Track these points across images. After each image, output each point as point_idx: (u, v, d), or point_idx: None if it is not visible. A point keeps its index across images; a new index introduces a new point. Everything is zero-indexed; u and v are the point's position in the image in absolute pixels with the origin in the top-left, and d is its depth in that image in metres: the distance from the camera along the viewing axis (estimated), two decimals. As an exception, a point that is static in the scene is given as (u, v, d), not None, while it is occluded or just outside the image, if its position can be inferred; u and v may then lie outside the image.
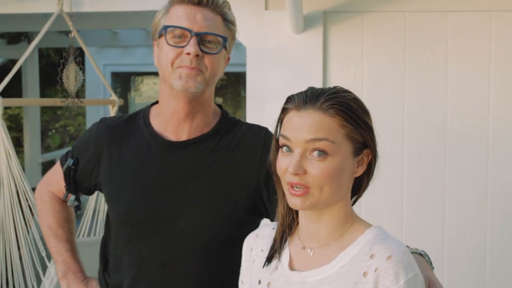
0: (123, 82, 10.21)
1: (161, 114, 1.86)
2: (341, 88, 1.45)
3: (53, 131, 11.53)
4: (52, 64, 9.75)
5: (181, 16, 1.75)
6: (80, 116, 11.43)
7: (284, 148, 1.40)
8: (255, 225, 1.86)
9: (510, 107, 3.24)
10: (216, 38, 1.76)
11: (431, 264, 1.56)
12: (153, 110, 1.91)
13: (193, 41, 1.72)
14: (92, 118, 8.81)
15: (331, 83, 3.31)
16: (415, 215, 3.30)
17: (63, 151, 9.26)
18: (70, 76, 3.44)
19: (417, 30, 3.28)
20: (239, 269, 1.82)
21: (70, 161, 1.95)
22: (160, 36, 1.79)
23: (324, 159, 1.36)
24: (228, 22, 1.82)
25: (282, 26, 3.29)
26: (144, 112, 1.91)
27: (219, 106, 1.94)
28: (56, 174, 2.04)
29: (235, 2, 3.30)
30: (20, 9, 3.51)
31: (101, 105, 8.02)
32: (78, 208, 2.07)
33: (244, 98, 11.29)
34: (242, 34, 3.34)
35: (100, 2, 3.46)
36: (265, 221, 1.81)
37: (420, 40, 3.29)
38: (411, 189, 3.30)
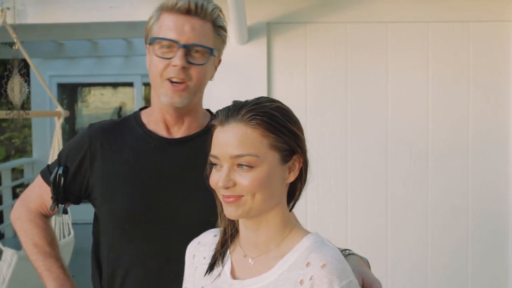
0: (69, 93, 10.08)
1: (153, 115, 1.89)
2: (266, 98, 1.48)
3: (-2, 144, 11.31)
4: (-4, 75, 9.60)
5: (170, 26, 1.77)
6: (26, 128, 11.24)
7: (215, 165, 1.44)
8: None
9: (448, 111, 3.36)
10: (203, 49, 1.79)
11: (368, 263, 1.62)
12: (144, 113, 1.94)
13: (180, 53, 1.75)
14: (38, 130, 8.68)
15: (276, 92, 3.38)
16: (360, 220, 3.39)
17: (9, 163, 9.09)
18: (15, 88, 3.41)
19: (357, 40, 3.38)
20: None
21: (59, 169, 1.93)
22: (150, 44, 1.82)
23: (250, 170, 1.39)
24: (219, 28, 1.84)
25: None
26: (135, 115, 1.94)
27: (208, 110, 2.00)
28: (38, 189, 2.01)
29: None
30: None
31: (47, 117, 7.90)
32: (66, 212, 2.02)
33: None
34: (187, 45, 3.39)
35: (44, 14, 3.44)
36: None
37: (361, 49, 3.39)
38: (355, 194, 3.39)
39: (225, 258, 1.52)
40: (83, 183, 1.92)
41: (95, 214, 1.97)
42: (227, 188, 1.40)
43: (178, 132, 1.87)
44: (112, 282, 1.90)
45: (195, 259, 1.58)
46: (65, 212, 1.98)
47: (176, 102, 1.79)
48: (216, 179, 1.43)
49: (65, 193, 1.95)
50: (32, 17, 3.45)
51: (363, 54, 3.38)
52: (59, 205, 1.96)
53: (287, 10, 3.38)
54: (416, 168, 3.37)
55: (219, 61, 1.91)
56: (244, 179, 1.39)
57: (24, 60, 3.80)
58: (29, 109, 3.64)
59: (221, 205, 1.48)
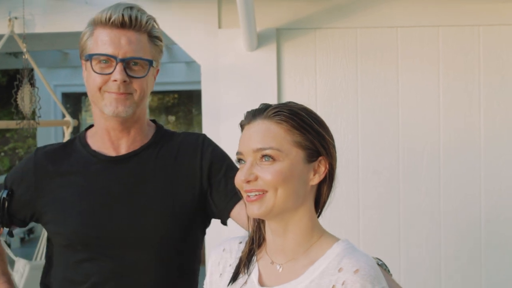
0: (74, 102, 10.09)
1: (97, 134, 1.88)
2: (294, 102, 1.49)
3: (2, 154, 11.31)
4: (-1, 86, 9.60)
5: (106, 41, 1.75)
6: (30, 139, 11.24)
7: (240, 161, 1.45)
8: (202, 227, 1.92)
9: (459, 115, 3.34)
10: (142, 61, 1.78)
11: (389, 271, 1.60)
12: (89, 133, 1.92)
13: (118, 67, 1.74)
14: (43, 139, 8.66)
15: (286, 99, 3.36)
16: (372, 226, 3.36)
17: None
18: (25, 97, 3.40)
19: (368, 45, 3.37)
20: (189, 273, 1.86)
21: (4, 193, 1.91)
22: (86, 60, 1.80)
23: (272, 163, 1.40)
24: (155, 38, 1.83)
25: (236, 44, 3.32)
26: (80, 136, 1.93)
27: (153, 120, 1.98)
28: None
29: (189, 21, 3.36)
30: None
31: (55, 126, 7.89)
32: (11, 235, 2.01)
33: (196, 115, 11.30)
34: (196, 53, 3.38)
35: (52, 23, 3.43)
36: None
37: (371, 54, 3.37)
38: (367, 200, 3.36)
39: (251, 265, 1.50)
40: (28, 209, 1.90)
41: (47, 237, 1.97)
42: (248, 182, 1.40)
43: (124, 147, 1.86)
44: None
45: (220, 266, 1.57)
46: (10, 235, 1.97)
47: (121, 112, 1.77)
48: (239, 176, 1.43)
49: (10, 217, 1.93)
50: (40, 27, 3.43)
51: (373, 59, 3.37)
52: (4, 228, 1.95)
53: (297, 16, 3.36)
54: (428, 173, 3.34)
55: (157, 70, 1.90)
56: (265, 172, 1.40)
57: (32, 70, 3.78)
58: (39, 118, 3.61)
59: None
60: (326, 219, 3.26)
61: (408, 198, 3.35)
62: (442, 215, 3.34)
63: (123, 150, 1.85)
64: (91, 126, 1.93)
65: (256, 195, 1.41)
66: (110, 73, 1.75)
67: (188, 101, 11.37)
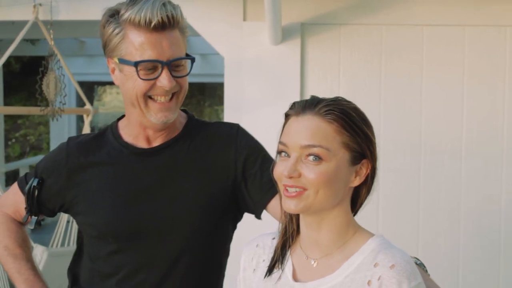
0: (86, 91, 10.10)
1: (130, 126, 1.85)
2: (343, 98, 1.45)
3: (13, 140, 11.34)
4: (12, 72, 9.60)
5: (147, 47, 1.67)
6: (41, 126, 11.27)
7: (282, 153, 1.42)
8: (233, 221, 1.89)
9: (483, 116, 3.32)
10: (184, 60, 1.73)
11: (427, 271, 1.59)
12: (121, 124, 1.89)
13: (165, 73, 1.68)
14: (56, 127, 8.68)
15: (309, 94, 3.34)
16: (391, 223, 3.35)
17: (25, 161, 9.11)
18: (50, 84, 3.39)
19: (393, 42, 3.34)
20: (218, 267, 1.85)
21: (34, 181, 1.89)
22: (125, 64, 1.71)
23: (319, 163, 1.36)
24: (184, 29, 1.76)
25: (260, 37, 3.31)
26: (112, 127, 1.90)
27: (184, 110, 1.93)
28: (13, 196, 1.98)
29: (213, 13, 3.34)
30: (-6, 17, 3.47)
31: (76, 114, 7.90)
32: (39, 224, 2.01)
33: (207, 107, 11.30)
34: (220, 45, 3.37)
35: (76, 10, 3.43)
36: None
37: (395, 52, 3.35)
38: (387, 198, 3.35)
39: (285, 260, 1.49)
40: (58, 198, 1.89)
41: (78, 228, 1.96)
42: (291, 177, 1.37)
43: (157, 140, 1.83)
44: None
45: (253, 262, 1.55)
46: (38, 224, 1.95)
47: (170, 119, 1.74)
48: (281, 169, 1.40)
49: (39, 205, 1.91)
50: (65, 14, 3.43)
51: (398, 57, 3.35)
52: (32, 217, 1.93)
53: (322, 11, 3.34)
54: (450, 173, 3.33)
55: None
56: (310, 171, 1.37)
57: (44, 58, 3.77)
58: (64, 105, 3.61)
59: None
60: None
61: (428, 196, 3.33)
62: (462, 213, 3.33)
63: (155, 143, 1.83)
64: (123, 116, 1.91)
65: (296, 191, 1.38)
66: (156, 78, 1.69)
67: (199, 93, 11.37)
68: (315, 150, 1.36)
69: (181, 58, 1.72)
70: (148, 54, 1.67)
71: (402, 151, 3.34)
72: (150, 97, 1.72)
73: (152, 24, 1.65)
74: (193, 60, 1.77)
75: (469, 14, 3.31)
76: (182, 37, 1.75)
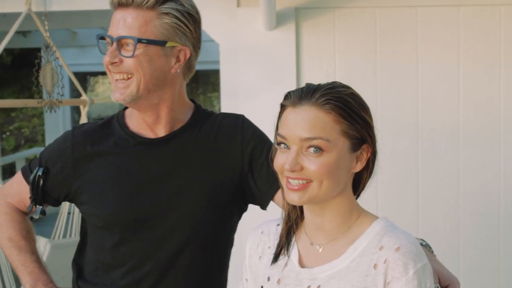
0: (79, 82, 10.07)
1: (133, 115, 1.85)
2: (339, 83, 1.44)
3: (8, 133, 11.30)
4: (3, 65, 9.56)
5: (112, 23, 1.74)
6: (35, 118, 11.22)
7: (282, 145, 1.41)
8: (239, 211, 1.90)
9: (479, 98, 3.32)
10: (131, 40, 1.71)
11: (433, 252, 1.60)
12: (127, 112, 1.89)
13: (110, 48, 1.73)
14: (50, 119, 8.65)
15: (305, 79, 3.34)
16: (390, 206, 3.36)
17: (21, 153, 9.08)
18: (47, 76, 3.38)
19: (387, 25, 3.34)
20: (223, 258, 1.85)
21: (39, 170, 1.88)
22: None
23: (320, 154, 1.36)
24: (165, 14, 1.73)
25: (254, 23, 3.30)
26: (118, 116, 1.90)
27: (191, 99, 1.93)
28: (17, 185, 1.98)
29: (207, 0, 3.32)
30: (-14, 9, 3.45)
31: (72, 105, 7.89)
32: (44, 213, 1.98)
33: (200, 94, 11.28)
34: (214, 32, 3.35)
35: (70, 1, 3.40)
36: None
37: (390, 34, 3.34)
38: (386, 183, 3.35)
39: (291, 247, 1.49)
40: (63, 188, 1.88)
41: (82, 217, 1.94)
42: (293, 171, 1.37)
43: (161, 130, 1.82)
44: (97, 283, 1.88)
45: (259, 249, 1.56)
46: (43, 213, 1.94)
47: (120, 99, 1.75)
48: (282, 161, 1.40)
49: (44, 195, 1.91)
50: (57, 5, 3.41)
51: (392, 39, 3.34)
52: (37, 206, 1.92)
53: (316, -5, 3.34)
54: (447, 153, 3.33)
55: (180, 50, 1.77)
56: (312, 163, 1.37)
57: (38, 50, 3.75)
58: (61, 97, 3.59)
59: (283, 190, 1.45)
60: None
61: (426, 178, 3.34)
62: (461, 195, 3.34)
63: (161, 132, 1.82)
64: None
65: (299, 184, 1.38)
66: None
67: (193, 81, 11.34)
68: (316, 142, 1.36)
69: (123, 37, 1.71)
70: (109, 29, 1.73)
71: (400, 133, 3.35)
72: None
73: (114, 2, 1.73)
74: (138, 41, 1.71)
75: (463, -6, 3.30)
76: (159, 20, 1.72)
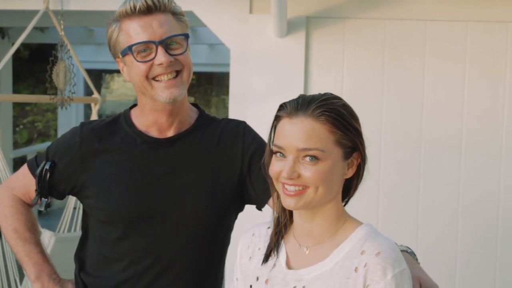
0: (94, 79, 10.15)
1: (144, 116, 1.91)
2: (331, 94, 1.52)
3: (21, 126, 11.41)
4: (20, 59, 9.65)
5: (138, 30, 1.76)
6: (49, 112, 11.33)
7: (278, 153, 1.48)
8: (236, 211, 1.97)
9: (483, 112, 3.37)
10: (179, 38, 1.81)
11: (417, 260, 1.65)
12: (134, 112, 1.95)
13: (160, 51, 1.76)
14: (63, 114, 8.74)
15: (313, 87, 3.40)
16: (390, 217, 3.41)
17: (33, 147, 9.18)
18: (60, 73, 3.46)
19: (396, 37, 3.40)
20: (221, 256, 1.93)
21: (46, 164, 1.94)
22: (124, 55, 1.81)
23: (316, 163, 1.44)
24: (178, 15, 1.85)
25: (265, 30, 3.37)
26: (125, 115, 1.95)
27: (195, 104, 2.01)
28: (23, 177, 2.03)
29: (220, 5, 3.40)
30: (6, 6, 3.52)
31: (84, 103, 7.95)
32: (49, 206, 2.03)
33: (214, 97, 11.34)
34: (226, 37, 3.42)
35: (87, 0, 3.48)
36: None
37: (398, 46, 3.40)
38: (387, 192, 3.41)
39: (280, 249, 1.56)
40: (69, 182, 1.93)
41: (84, 210, 1.99)
42: (291, 179, 1.45)
43: (171, 131, 1.89)
44: (98, 276, 1.93)
45: (249, 250, 1.63)
46: (48, 206, 1.99)
47: (177, 95, 1.80)
48: (278, 169, 1.47)
49: (50, 188, 1.95)
50: (75, 4, 3.48)
51: (400, 51, 3.40)
52: (42, 198, 1.97)
53: (327, 4, 3.39)
54: (449, 166, 3.38)
55: (188, 48, 1.89)
56: (308, 171, 1.44)
57: (55, 45, 3.83)
58: (73, 94, 3.68)
59: (277, 193, 1.53)
60: (345, 209, 3.29)
61: (427, 189, 3.39)
62: (461, 207, 3.38)
63: (169, 133, 1.89)
64: (135, 105, 1.97)
65: (296, 190, 1.46)
66: (153, 59, 1.77)
67: (207, 83, 11.41)
68: (312, 153, 1.44)
69: (174, 36, 1.79)
70: (140, 37, 1.76)
71: (403, 144, 3.40)
72: (154, 79, 1.79)
73: (137, 8, 1.76)
74: (187, 36, 1.83)
75: (472, 10, 3.35)
76: (177, 21, 1.83)
